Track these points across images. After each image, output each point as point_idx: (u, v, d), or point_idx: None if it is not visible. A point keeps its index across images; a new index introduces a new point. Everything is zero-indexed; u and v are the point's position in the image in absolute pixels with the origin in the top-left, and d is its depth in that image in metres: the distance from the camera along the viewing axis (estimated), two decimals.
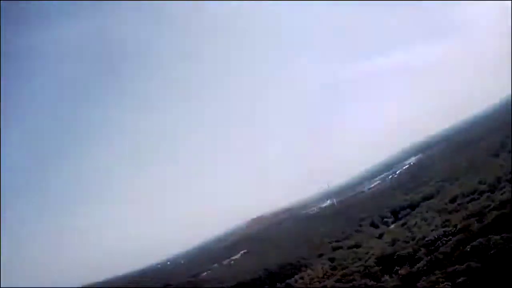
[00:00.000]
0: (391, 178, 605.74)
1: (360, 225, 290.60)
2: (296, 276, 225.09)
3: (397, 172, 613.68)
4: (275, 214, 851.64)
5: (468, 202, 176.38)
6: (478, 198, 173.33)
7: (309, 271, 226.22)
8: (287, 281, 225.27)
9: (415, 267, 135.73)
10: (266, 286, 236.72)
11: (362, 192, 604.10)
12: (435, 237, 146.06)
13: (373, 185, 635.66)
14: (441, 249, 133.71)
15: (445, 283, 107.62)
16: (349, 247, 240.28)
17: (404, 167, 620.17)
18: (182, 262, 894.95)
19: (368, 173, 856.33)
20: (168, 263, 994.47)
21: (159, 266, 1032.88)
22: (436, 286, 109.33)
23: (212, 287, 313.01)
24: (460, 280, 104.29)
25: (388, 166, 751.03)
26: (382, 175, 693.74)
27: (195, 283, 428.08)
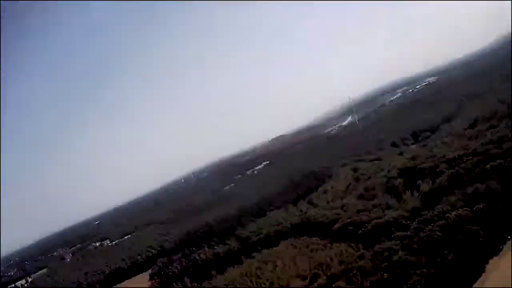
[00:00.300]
0: (412, 91, 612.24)
1: (381, 144, 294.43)
2: (320, 189, 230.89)
3: (417, 87, 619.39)
4: (296, 134, 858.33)
5: (487, 129, 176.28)
6: (497, 126, 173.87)
7: (332, 182, 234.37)
8: (311, 195, 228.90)
9: (437, 182, 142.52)
10: (290, 203, 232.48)
11: (383, 105, 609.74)
12: (455, 156, 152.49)
13: (394, 98, 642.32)
14: (462, 165, 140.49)
15: (464, 208, 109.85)
16: (371, 160, 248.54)
17: (424, 84, 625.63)
18: (206, 174, 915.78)
19: (389, 86, 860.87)
20: (193, 176, 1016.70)
21: (183, 181, 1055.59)
22: (455, 212, 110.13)
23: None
24: (479, 206, 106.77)
25: (409, 81, 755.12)
26: (403, 89, 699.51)
27: (219, 196, 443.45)
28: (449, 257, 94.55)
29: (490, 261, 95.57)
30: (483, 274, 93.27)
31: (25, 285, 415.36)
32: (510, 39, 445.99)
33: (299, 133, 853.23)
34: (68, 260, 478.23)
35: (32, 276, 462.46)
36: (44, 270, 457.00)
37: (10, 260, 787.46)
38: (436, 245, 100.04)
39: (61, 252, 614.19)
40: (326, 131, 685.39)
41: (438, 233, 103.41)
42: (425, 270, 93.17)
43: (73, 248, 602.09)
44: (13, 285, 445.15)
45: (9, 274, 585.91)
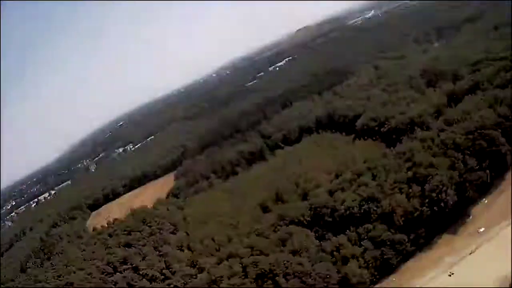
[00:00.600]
0: None
1: (404, 40, 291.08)
2: (344, 83, 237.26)
3: None
4: (320, 24, 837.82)
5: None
6: None
7: (355, 78, 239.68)
8: (334, 88, 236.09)
9: (458, 84, 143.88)
10: (314, 94, 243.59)
11: (406, 2, 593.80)
12: (477, 60, 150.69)
13: None
14: (483, 70, 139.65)
15: (488, 109, 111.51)
16: (394, 58, 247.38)
17: None
18: (228, 72, 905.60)
19: None
20: (214, 75, 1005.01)
21: (201, 80, 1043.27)
22: (479, 113, 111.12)
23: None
24: (503, 110, 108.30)
25: None
26: None
27: (243, 92, 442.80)
28: (470, 163, 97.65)
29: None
30: (503, 183, 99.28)
31: (49, 197, 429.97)
32: None
33: (323, 23, 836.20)
34: (93, 170, 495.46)
35: (56, 188, 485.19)
36: (69, 182, 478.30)
37: (34, 178, 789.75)
38: (457, 149, 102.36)
39: (85, 163, 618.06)
40: (350, 22, 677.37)
41: (460, 136, 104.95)
42: (447, 173, 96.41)
43: (96, 158, 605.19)
44: (36, 200, 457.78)
45: (32, 190, 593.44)
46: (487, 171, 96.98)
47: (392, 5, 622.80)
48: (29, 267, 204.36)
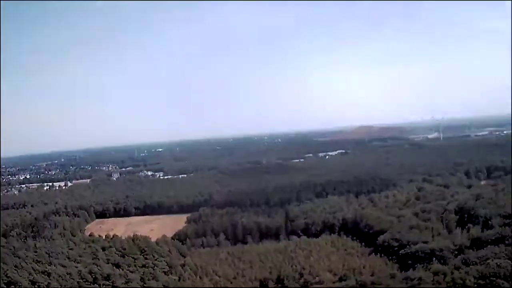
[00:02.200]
0: (498, 134, 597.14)
1: (455, 169, 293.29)
2: (383, 193, 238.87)
3: (504, 132, 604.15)
4: (383, 129, 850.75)
5: None
6: None
7: (395, 191, 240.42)
8: (372, 194, 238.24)
9: (486, 232, 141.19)
10: (351, 193, 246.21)
11: (468, 136, 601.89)
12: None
13: (480, 134, 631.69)
14: None
15: (506, 260, 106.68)
16: (438, 185, 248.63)
17: None
18: (279, 140, 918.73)
19: (479, 120, 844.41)
20: (265, 138, 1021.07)
21: (255, 138, 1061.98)
22: (496, 261, 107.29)
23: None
24: None
25: (501, 123, 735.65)
26: (491, 128, 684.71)
27: (286, 166, 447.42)
28: None
29: None
30: None
31: (64, 187, 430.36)
32: None
33: (387, 128, 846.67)
34: (114, 179, 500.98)
35: (74, 182, 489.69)
36: (87, 180, 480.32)
37: (55, 160, 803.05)
38: None
39: (110, 168, 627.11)
40: (412, 136, 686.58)
41: (472, 278, 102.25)
42: None
43: (123, 168, 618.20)
44: (51, 184, 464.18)
45: (49, 173, 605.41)
46: None
47: (456, 133, 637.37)
48: (12, 235, 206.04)
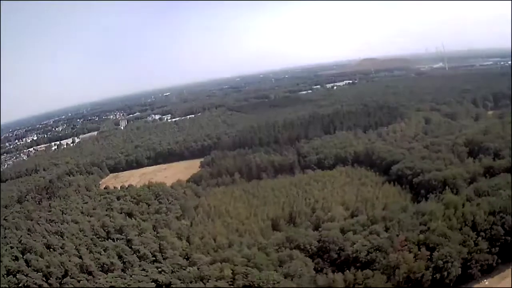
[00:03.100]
0: (502, 64, 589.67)
1: (462, 96, 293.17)
2: (390, 126, 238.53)
3: (509, 62, 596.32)
4: (389, 60, 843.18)
5: None
6: None
7: (402, 124, 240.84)
8: (380, 128, 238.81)
9: (497, 160, 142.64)
10: (359, 127, 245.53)
11: (473, 66, 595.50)
12: None
13: (485, 63, 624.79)
14: None
15: None
16: (446, 114, 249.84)
17: None
18: (286, 76, 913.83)
19: (483, 51, 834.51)
20: (272, 75, 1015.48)
21: (261, 76, 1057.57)
22: (508, 191, 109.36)
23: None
24: None
25: (505, 54, 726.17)
26: (496, 59, 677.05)
27: (294, 98, 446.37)
28: (481, 245, 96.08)
29: None
30: (506, 270, 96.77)
31: (72, 144, 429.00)
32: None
33: (391, 60, 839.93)
34: (122, 127, 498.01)
35: (81, 137, 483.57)
36: (94, 133, 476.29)
37: (63, 115, 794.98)
38: (474, 228, 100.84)
39: (117, 116, 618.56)
40: (417, 66, 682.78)
41: (482, 213, 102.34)
42: (456, 247, 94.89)
43: (130, 115, 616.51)
44: (58, 143, 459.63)
45: (56, 129, 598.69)
46: (495, 256, 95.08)
47: (461, 63, 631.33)
48: (27, 200, 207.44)
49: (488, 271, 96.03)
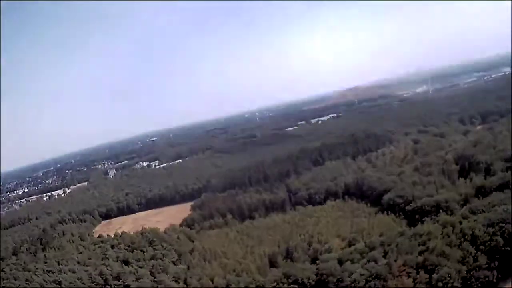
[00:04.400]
0: (486, 79, 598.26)
1: (449, 118, 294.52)
2: (379, 151, 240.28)
3: (492, 76, 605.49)
4: (372, 87, 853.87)
5: None
6: None
7: (392, 148, 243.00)
8: (369, 154, 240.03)
9: (488, 180, 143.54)
10: (348, 156, 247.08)
11: (457, 85, 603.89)
12: None
13: (468, 81, 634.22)
14: None
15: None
16: (434, 135, 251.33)
17: (500, 74, 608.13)
18: (271, 114, 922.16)
19: (465, 68, 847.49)
20: (257, 113, 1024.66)
21: (246, 116, 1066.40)
22: (503, 207, 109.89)
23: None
24: None
25: (486, 67, 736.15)
26: (479, 74, 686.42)
27: (281, 135, 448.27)
28: (480, 261, 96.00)
29: None
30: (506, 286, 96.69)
31: (63, 195, 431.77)
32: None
33: (373, 87, 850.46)
34: (111, 176, 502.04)
35: (71, 188, 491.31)
36: (84, 184, 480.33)
37: (51, 167, 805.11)
38: (473, 242, 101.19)
39: (105, 166, 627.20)
40: (400, 92, 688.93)
41: (481, 226, 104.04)
42: (456, 266, 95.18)
43: (118, 164, 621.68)
44: (49, 194, 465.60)
45: (47, 181, 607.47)
46: (495, 272, 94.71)
47: (444, 83, 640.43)
48: (22, 251, 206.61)
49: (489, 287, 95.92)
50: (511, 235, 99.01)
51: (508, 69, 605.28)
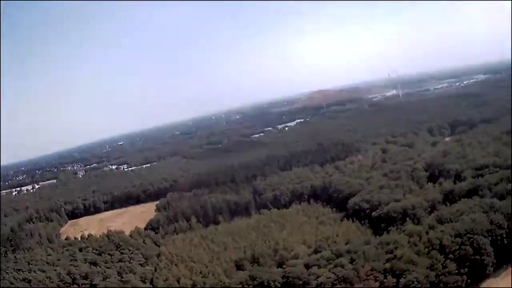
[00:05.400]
0: (458, 85, 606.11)
1: (418, 128, 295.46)
2: (347, 159, 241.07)
3: (464, 83, 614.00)
4: (340, 91, 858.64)
5: None
6: None
7: (360, 156, 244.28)
8: (337, 162, 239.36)
9: (458, 185, 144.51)
10: (316, 164, 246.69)
11: (428, 90, 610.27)
12: (484, 165, 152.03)
13: (440, 87, 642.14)
14: (486, 177, 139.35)
15: (481, 214, 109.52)
16: (403, 145, 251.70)
17: (472, 81, 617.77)
18: (237, 117, 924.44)
19: (436, 72, 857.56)
20: (223, 116, 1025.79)
21: (213, 118, 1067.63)
22: (471, 216, 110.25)
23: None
24: (496, 217, 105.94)
25: (457, 74, 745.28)
26: (450, 80, 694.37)
27: (247, 142, 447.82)
28: (449, 267, 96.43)
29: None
30: None
31: (32, 190, 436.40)
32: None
33: (342, 91, 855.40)
34: (80, 176, 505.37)
35: (40, 183, 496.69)
36: (53, 181, 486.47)
37: (22, 167, 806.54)
38: (441, 251, 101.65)
39: (74, 167, 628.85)
40: (370, 96, 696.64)
41: (449, 236, 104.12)
42: (424, 272, 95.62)
43: (88, 166, 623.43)
44: (19, 189, 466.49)
45: (17, 179, 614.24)
46: (464, 277, 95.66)
47: (415, 88, 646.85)
48: None
49: None
50: (480, 245, 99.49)
51: (480, 76, 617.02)
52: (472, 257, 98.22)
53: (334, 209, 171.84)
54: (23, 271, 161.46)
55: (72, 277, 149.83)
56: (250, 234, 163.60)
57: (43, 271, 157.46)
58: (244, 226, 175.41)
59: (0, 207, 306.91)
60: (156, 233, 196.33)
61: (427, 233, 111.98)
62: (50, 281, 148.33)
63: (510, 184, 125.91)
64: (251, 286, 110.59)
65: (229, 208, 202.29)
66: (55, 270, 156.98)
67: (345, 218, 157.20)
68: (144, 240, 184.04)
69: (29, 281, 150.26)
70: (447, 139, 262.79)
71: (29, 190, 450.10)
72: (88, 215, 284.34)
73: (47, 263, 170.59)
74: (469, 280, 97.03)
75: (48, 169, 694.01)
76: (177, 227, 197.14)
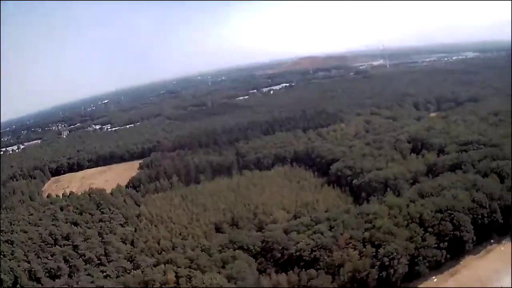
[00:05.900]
0: (447, 59, 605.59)
1: (404, 100, 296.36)
2: (330, 127, 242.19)
3: (453, 58, 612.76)
4: (328, 58, 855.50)
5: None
6: None
7: (343, 125, 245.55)
8: (319, 129, 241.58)
9: (441, 157, 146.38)
10: (299, 129, 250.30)
11: (415, 63, 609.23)
12: (468, 141, 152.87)
13: (428, 60, 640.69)
14: (470, 153, 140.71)
15: (464, 191, 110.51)
16: (387, 117, 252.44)
17: (460, 57, 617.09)
18: (223, 78, 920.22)
19: (425, 47, 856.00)
20: (209, 77, 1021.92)
21: (199, 78, 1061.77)
22: (453, 191, 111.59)
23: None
24: (479, 196, 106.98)
25: (446, 48, 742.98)
26: (438, 55, 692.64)
27: (232, 105, 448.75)
28: (429, 241, 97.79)
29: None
30: (456, 266, 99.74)
31: (17, 150, 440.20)
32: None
33: (329, 58, 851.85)
34: (64, 136, 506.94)
35: (25, 144, 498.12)
36: (38, 141, 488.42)
37: (7, 128, 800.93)
38: (421, 225, 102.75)
39: (59, 127, 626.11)
40: (357, 64, 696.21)
41: (429, 211, 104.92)
42: (403, 243, 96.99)
43: (71, 126, 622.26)
44: (4, 149, 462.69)
45: (2, 139, 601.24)
46: (443, 251, 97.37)
47: (403, 59, 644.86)
48: None
49: (437, 267, 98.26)
50: (460, 222, 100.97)
51: (469, 54, 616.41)
52: (452, 233, 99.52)
53: (316, 173, 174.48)
54: (5, 232, 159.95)
55: (54, 237, 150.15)
56: (230, 195, 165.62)
57: (25, 232, 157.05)
58: (225, 187, 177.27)
59: None
60: (137, 191, 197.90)
61: (407, 206, 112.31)
62: (33, 242, 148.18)
63: (495, 162, 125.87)
64: (231, 250, 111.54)
65: (212, 168, 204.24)
66: (37, 231, 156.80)
67: (326, 184, 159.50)
68: (124, 199, 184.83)
69: (12, 243, 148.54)
70: (432, 114, 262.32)
71: (14, 150, 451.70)
72: (72, 172, 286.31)
73: (29, 223, 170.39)
74: (448, 255, 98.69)
75: (33, 129, 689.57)
76: (158, 185, 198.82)
